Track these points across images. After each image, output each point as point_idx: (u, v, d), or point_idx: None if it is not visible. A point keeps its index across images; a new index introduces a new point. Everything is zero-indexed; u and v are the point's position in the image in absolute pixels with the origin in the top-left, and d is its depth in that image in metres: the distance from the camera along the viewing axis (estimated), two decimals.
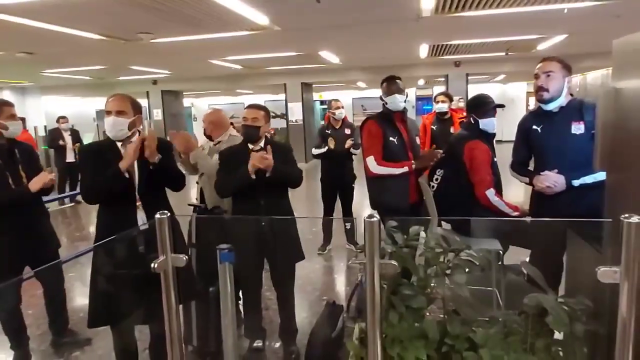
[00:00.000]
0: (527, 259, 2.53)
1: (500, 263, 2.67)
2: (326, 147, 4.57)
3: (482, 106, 2.74)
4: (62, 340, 2.97)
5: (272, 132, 5.14)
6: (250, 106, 2.65)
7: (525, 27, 6.34)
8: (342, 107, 4.71)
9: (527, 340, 1.72)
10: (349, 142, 4.53)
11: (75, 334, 3.03)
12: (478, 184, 2.64)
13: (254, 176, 2.46)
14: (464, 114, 4.18)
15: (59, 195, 6.84)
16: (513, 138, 2.69)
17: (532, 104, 16.90)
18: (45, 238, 2.79)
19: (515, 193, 2.86)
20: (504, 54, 9.20)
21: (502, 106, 2.88)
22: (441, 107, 4.69)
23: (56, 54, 6.79)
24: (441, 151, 2.85)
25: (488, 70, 11.15)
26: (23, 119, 8.66)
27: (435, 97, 4.84)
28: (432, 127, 4.72)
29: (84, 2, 3.89)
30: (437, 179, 2.82)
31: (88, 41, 5.56)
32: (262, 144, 2.61)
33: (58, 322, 3.00)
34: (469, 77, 11.18)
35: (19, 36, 5.17)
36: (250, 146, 2.59)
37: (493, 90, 16.40)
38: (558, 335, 1.67)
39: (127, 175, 2.17)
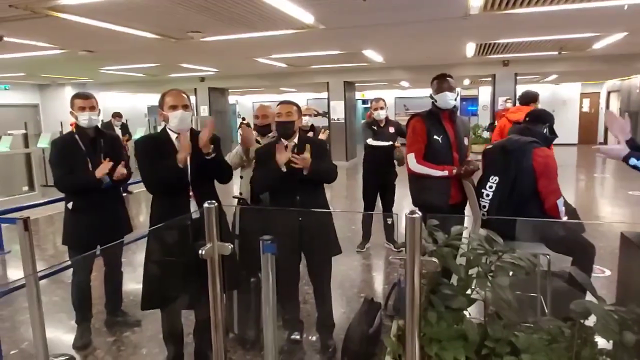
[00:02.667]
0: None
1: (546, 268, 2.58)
2: (390, 142, 4.50)
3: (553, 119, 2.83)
4: (115, 320, 3.18)
5: (325, 132, 5.05)
6: (283, 102, 2.68)
7: (580, 25, 6.04)
8: (383, 108, 4.57)
9: (572, 348, 1.67)
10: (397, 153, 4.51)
11: (127, 315, 3.23)
12: (552, 194, 2.57)
13: (284, 169, 2.48)
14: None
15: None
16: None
17: (586, 106, 16.05)
18: (117, 222, 2.99)
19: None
20: (556, 53, 8.79)
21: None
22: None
23: (114, 52, 7.19)
24: (479, 164, 2.75)
25: (539, 70, 10.67)
26: None
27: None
28: None
29: (140, 2, 4.11)
30: (491, 187, 2.70)
31: (143, 40, 5.86)
32: (296, 139, 2.64)
33: (113, 302, 3.21)
34: (518, 77, 10.76)
35: (81, 35, 5.52)
36: (285, 142, 2.60)
37: (544, 91, 15.71)
38: (605, 345, 1.61)
39: (181, 166, 2.29)
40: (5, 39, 4.94)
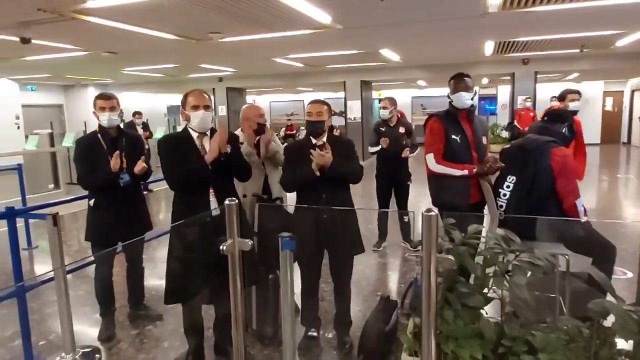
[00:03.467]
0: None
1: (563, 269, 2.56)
2: (380, 146, 4.58)
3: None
4: (138, 313, 3.27)
5: (337, 131, 5.11)
6: (314, 101, 2.73)
7: (602, 22, 5.91)
8: (388, 108, 4.61)
9: (590, 348, 1.66)
10: (405, 152, 4.57)
11: (149, 309, 3.32)
12: (570, 194, 2.55)
13: (318, 173, 2.54)
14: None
15: None
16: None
17: (609, 105, 15.67)
18: (137, 219, 3.05)
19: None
20: (577, 51, 8.61)
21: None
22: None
23: (136, 53, 7.35)
24: (503, 164, 2.75)
25: (560, 68, 10.45)
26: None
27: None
28: None
29: (162, 5, 4.20)
30: (508, 187, 2.68)
31: (164, 41, 5.97)
32: (324, 138, 2.69)
33: (136, 296, 3.31)
34: (538, 76, 10.58)
35: (105, 37, 5.66)
36: (314, 140, 2.67)
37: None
38: (624, 346, 1.60)
39: (210, 167, 2.36)
40: (33, 41, 5.09)
